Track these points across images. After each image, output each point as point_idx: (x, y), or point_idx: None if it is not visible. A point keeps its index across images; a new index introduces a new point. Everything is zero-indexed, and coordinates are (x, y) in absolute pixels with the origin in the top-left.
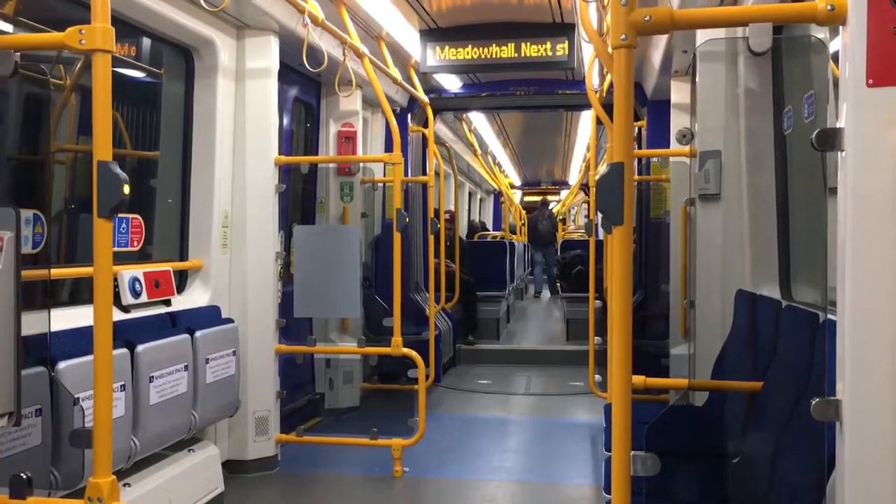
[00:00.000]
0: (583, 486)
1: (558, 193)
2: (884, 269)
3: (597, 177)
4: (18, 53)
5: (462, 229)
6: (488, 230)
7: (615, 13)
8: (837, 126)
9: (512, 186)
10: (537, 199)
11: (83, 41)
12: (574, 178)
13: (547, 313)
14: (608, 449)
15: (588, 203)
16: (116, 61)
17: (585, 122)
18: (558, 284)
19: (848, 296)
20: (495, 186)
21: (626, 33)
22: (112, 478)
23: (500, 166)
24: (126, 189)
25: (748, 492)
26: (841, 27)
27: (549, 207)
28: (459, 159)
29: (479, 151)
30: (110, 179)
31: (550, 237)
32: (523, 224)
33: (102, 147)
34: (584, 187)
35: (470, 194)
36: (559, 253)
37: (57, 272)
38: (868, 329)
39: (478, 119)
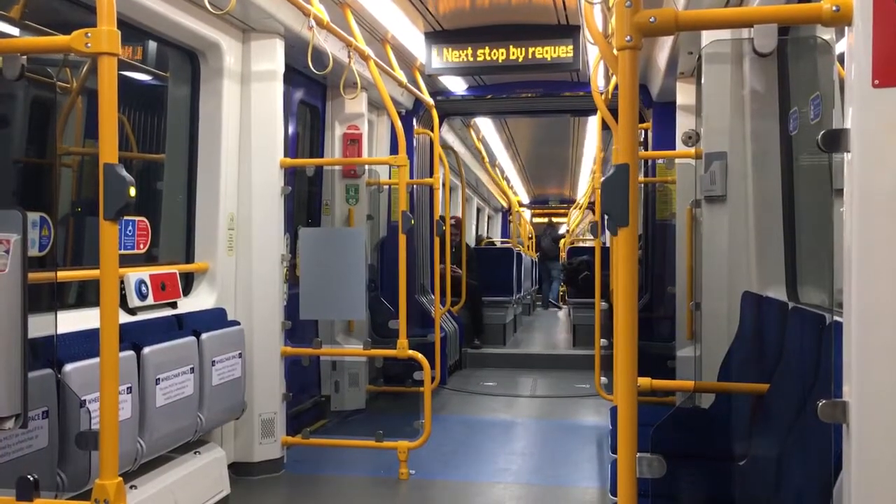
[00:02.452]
0: (589, 488)
1: (567, 215)
2: (890, 270)
3: (602, 179)
4: (25, 57)
5: (470, 241)
6: (494, 243)
7: (619, 14)
8: (843, 127)
9: (520, 204)
10: (544, 220)
11: (89, 44)
12: (582, 193)
13: (554, 326)
14: (614, 451)
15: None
16: (123, 65)
17: (592, 134)
18: (562, 290)
19: (854, 297)
20: (504, 204)
21: (631, 35)
22: (118, 480)
23: (508, 181)
24: (132, 191)
25: (755, 494)
26: (846, 28)
27: (559, 232)
28: (469, 172)
29: (486, 159)
30: (116, 182)
31: (555, 253)
32: (531, 238)
33: (108, 150)
34: (592, 206)
35: (478, 210)
36: (567, 258)
37: (63, 275)
38: (875, 331)
39: (486, 129)
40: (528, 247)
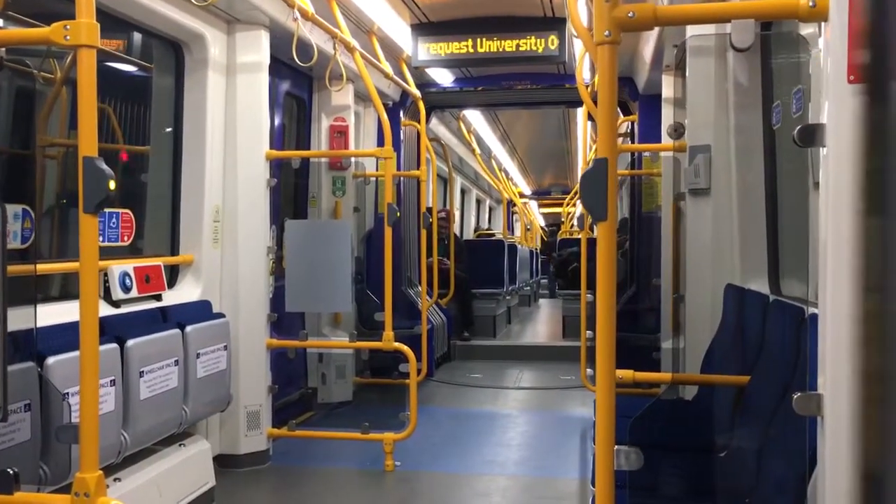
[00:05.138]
0: (573, 479)
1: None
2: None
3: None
4: (3, 48)
5: (468, 233)
6: (493, 233)
7: (598, 9)
8: (819, 122)
9: (521, 196)
10: (554, 210)
11: (68, 37)
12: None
13: (551, 318)
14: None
15: None
16: (106, 56)
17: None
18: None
19: (828, 290)
20: (505, 195)
21: (610, 29)
22: (99, 473)
23: (506, 173)
24: (111, 184)
25: (734, 485)
26: (823, 23)
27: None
28: (467, 166)
29: (477, 151)
30: (95, 175)
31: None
32: (528, 230)
33: (88, 142)
34: None
35: (478, 202)
36: (556, 251)
37: (43, 267)
38: (848, 323)
39: (480, 124)
40: (529, 238)
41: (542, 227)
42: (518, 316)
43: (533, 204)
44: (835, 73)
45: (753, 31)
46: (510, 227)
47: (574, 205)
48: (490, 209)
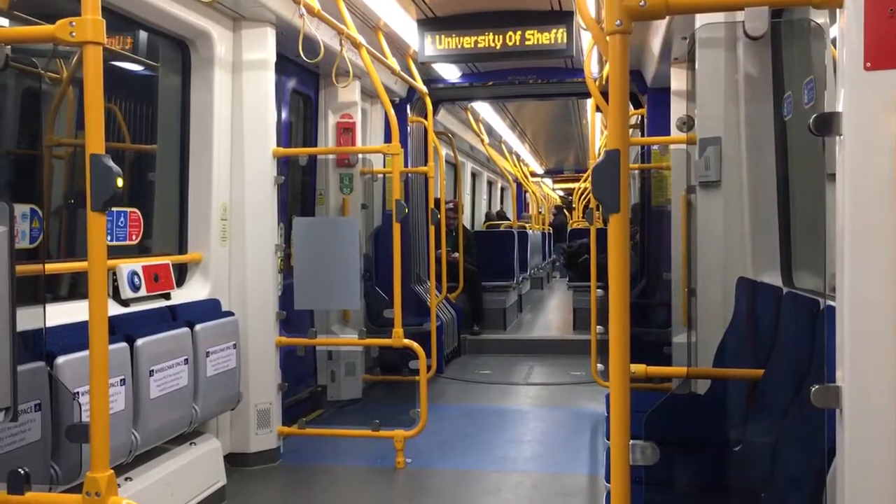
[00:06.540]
0: (585, 475)
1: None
2: (883, 254)
3: (593, 165)
4: (9, 46)
5: (480, 217)
6: (508, 219)
7: None
8: (835, 110)
9: (533, 175)
10: (568, 186)
11: (74, 34)
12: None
13: (564, 305)
14: (609, 438)
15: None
16: (113, 54)
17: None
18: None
19: (847, 282)
20: (517, 175)
21: (621, 19)
22: (109, 472)
23: (517, 156)
24: (119, 182)
25: (749, 480)
26: (838, 10)
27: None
28: (478, 152)
29: (484, 140)
30: (103, 173)
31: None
32: (540, 213)
33: (95, 140)
34: None
35: (489, 183)
36: (567, 241)
37: (52, 267)
38: (867, 315)
39: (489, 114)
40: (542, 221)
41: (559, 196)
42: (530, 302)
43: (547, 180)
44: (850, 61)
45: (767, 18)
46: (522, 207)
47: (587, 181)
48: (503, 189)
